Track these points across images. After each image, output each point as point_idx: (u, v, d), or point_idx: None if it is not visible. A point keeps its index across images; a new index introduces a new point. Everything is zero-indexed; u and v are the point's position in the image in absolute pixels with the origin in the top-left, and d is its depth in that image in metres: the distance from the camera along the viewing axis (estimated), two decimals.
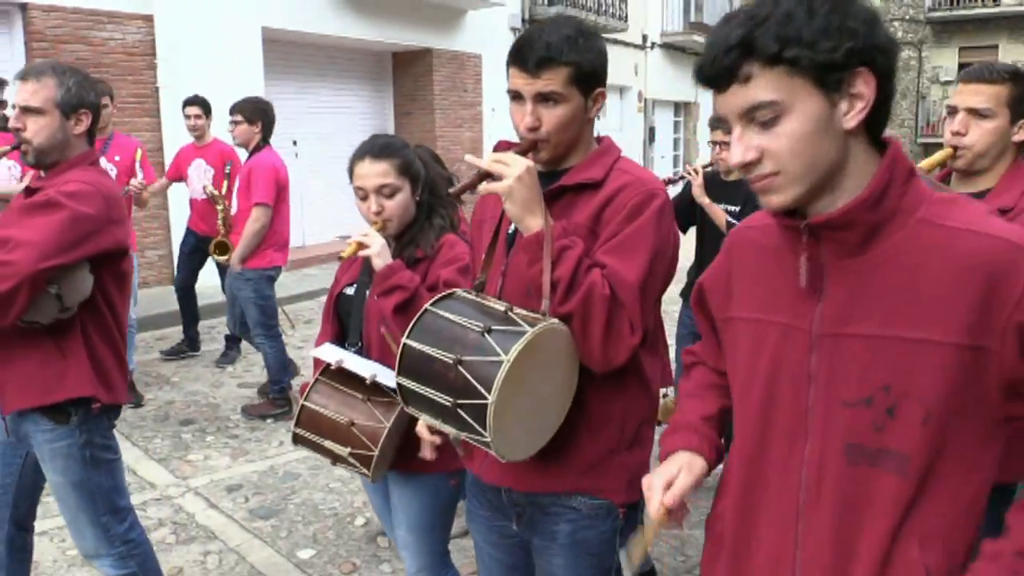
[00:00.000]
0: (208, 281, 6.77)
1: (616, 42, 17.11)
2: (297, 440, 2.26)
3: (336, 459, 2.20)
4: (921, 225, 1.14)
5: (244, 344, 6.40)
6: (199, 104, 6.15)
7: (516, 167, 1.60)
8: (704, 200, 3.91)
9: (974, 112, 2.13)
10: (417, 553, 2.39)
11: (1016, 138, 2.15)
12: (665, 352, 2.90)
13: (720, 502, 1.41)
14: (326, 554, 3.58)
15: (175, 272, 6.70)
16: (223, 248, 5.48)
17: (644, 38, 18.20)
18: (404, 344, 1.66)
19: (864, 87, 1.10)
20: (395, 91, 13.15)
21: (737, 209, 3.87)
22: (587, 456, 1.74)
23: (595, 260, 1.64)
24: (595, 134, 1.83)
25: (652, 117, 19.01)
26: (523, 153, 1.69)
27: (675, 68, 19.36)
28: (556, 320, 1.60)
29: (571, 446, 1.73)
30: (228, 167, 5.68)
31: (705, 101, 21.30)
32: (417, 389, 1.64)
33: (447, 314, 1.64)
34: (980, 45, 21.13)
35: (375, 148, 2.26)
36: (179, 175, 6.28)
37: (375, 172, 2.22)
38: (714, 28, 1.16)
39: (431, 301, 1.71)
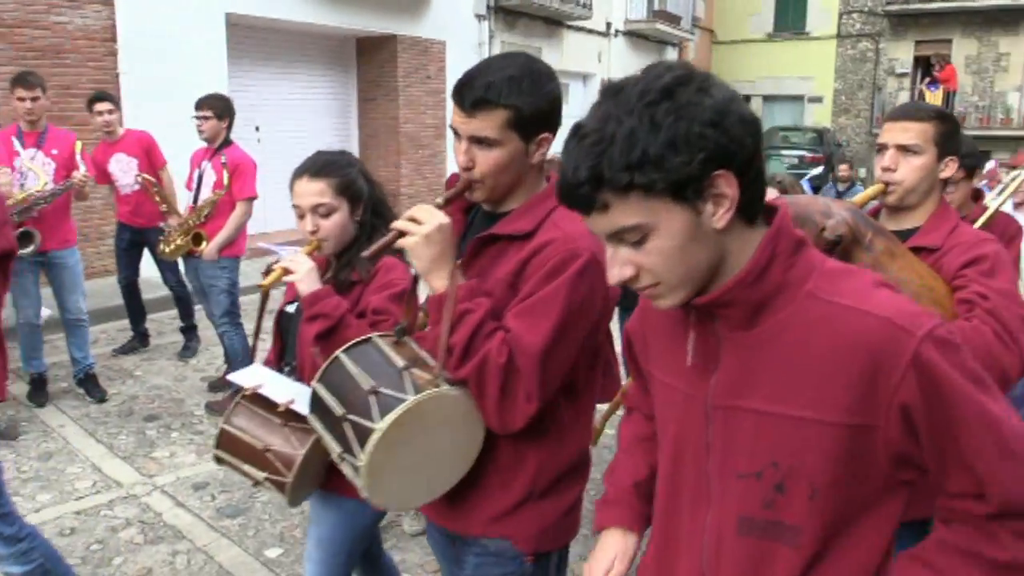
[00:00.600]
0: (148, 274, 6.66)
1: (580, 29, 17.18)
2: (219, 461, 2.24)
3: (256, 482, 2.19)
4: (808, 300, 1.12)
5: (204, 336, 6.45)
6: (111, 100, 6.05)
7: (426, 226, 1.58)
8: None
9: (903, 148, 2.16)
10: (317, 571, 2.36)
11: (943, 175, 2.20)
12: (611, 368, 2.99)
13: (648, 549, 1.43)
14: (293, 553, 3.67)
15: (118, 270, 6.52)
16: (198, 239, 5.46)
17: (608, 25, 18.28)
18: (312, 386, 1.75)
19: (726, 187, 1.07)
20: (359, 77, 13.09)
21: None
22: (497, 504, 1.72)
23: (501, 323, 1.60)
24: (545, 175, 1.76)
25: None
26: (459, 192, 1.67)
27: (638, 55, 19.49)
28: (446, 386, 1.60)
29: (481, 493, 1.73)
30: (224, 159, 5.47)
31: None
32: (320, 429, 1.74)
33: (350, 365, 1.69)
34: (934, 39, 21.60)
35: (314, 166, 2.23)
36: (104, 176, 6.11)
37: (311, 191, 2.19)
38: (565, 144, 1.12)
39: (345, 347, 1.74)
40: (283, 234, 11.16)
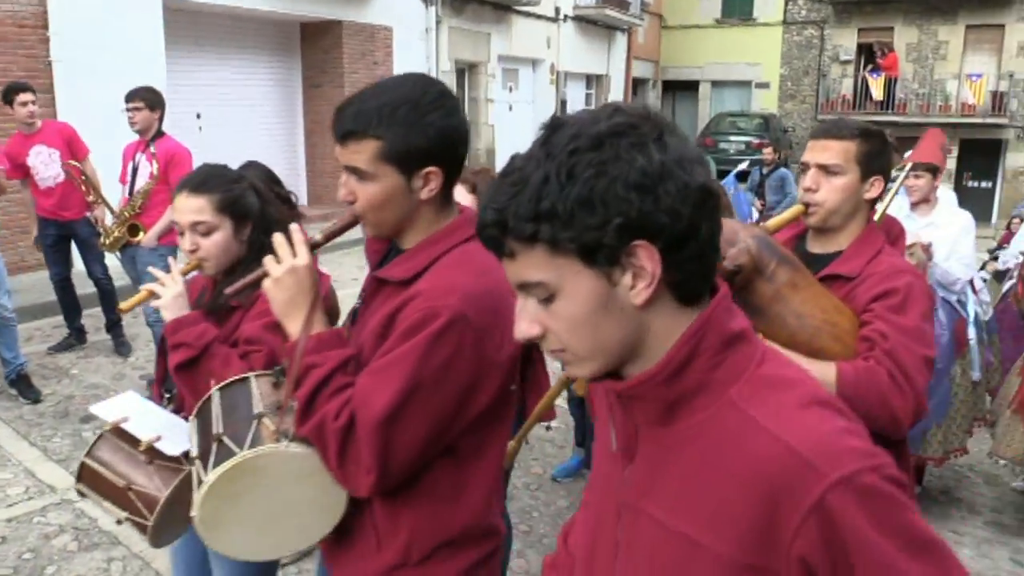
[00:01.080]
0: (82, 268, 6.46)
1: (529, 15, 17.14)
2: (81, 495, 2.08)
3: (119, 520, 2.01)
4: (729, 408, 0.96)
5: (136, 332, 6.34)
6: (30, 90, 5.86)
7: (281, 268, 1.50)
8: None
9: (824, 168, 2.08)
10: None
11: (867, 195, 2.11)
12: (542, 390, 2.90)
13: None
14: None
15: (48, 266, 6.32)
16: (135, 230, 5.39)
17: (557, 11, 18.27)
18: (189, 420, 1.72)
19: (647, 261, 0.92)
20: (303, 63, 12.91)
21: None
22: (372, 563, 1.60)
23: (354, 379, 1.49)
24: (457, 210, 1.61)
25: (564, 90, 19.20)
26: (342, 228, 1.59)
27: (587, 41, 19.54)
28: (287, 442, 1.52)
29: (358, 549, 1.63)
30: (154, 150, 5.39)
31: (616, 73, 21.59)
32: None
33: (215, 405, 1.65)
34: (877, 27, 22.03)
35: (192, 182, 2.10)
36: (20, 170, 5.86)
37: (190, 208, 2.05)
38: (489, 184, 1.02)
39: (222, 384, 1.68)
40: None
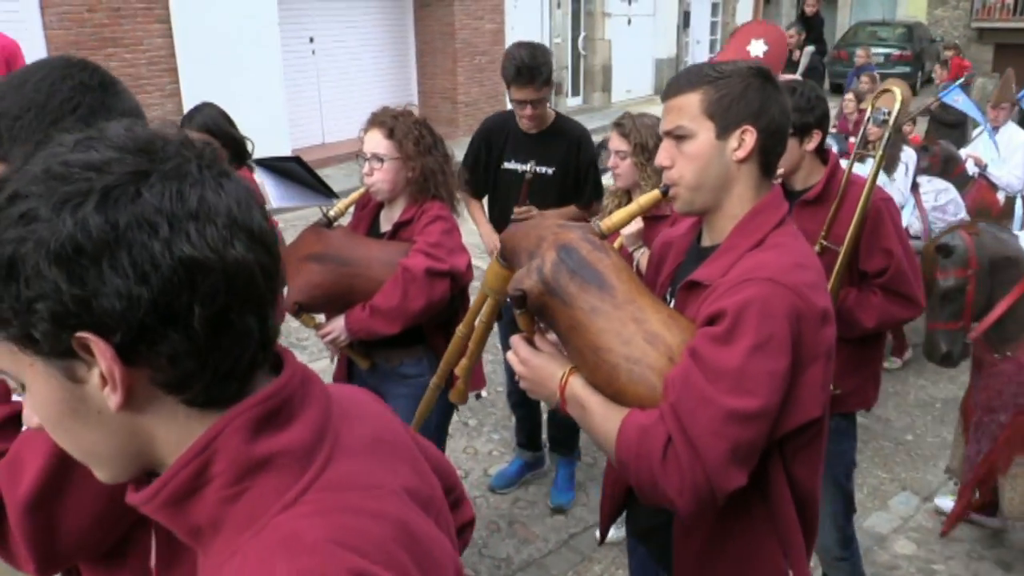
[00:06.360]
0: None
1: None
2: None
3: None
4: (238, 558, 0.73)
5: None
6: None
7: None
8: None
9: (671, 136, 1.57)
10: None
11: (737, 155, 1.53)
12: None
13: None
14: None
15: None
16: None
17: None
18: None
19: (101, 358, 0.70)
20: None
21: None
22: None
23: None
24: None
25: (688, 1, 18.24)
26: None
27: None
28: None
29: None
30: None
31: None
32: None
33: None
34: None
35: None
36: None
37: None
38: None
39: None
40: (342, 145, 11.26)
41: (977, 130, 6.37)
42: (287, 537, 0.72)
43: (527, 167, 3.35)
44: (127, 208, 0.68)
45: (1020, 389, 3.04)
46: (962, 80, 7.83)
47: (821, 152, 2.60)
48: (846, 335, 2.37)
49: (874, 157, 2.55)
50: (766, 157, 1.56)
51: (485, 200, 3.66)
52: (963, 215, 5.03)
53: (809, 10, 11.50)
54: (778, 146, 1.58)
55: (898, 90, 2.61)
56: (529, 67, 3.18)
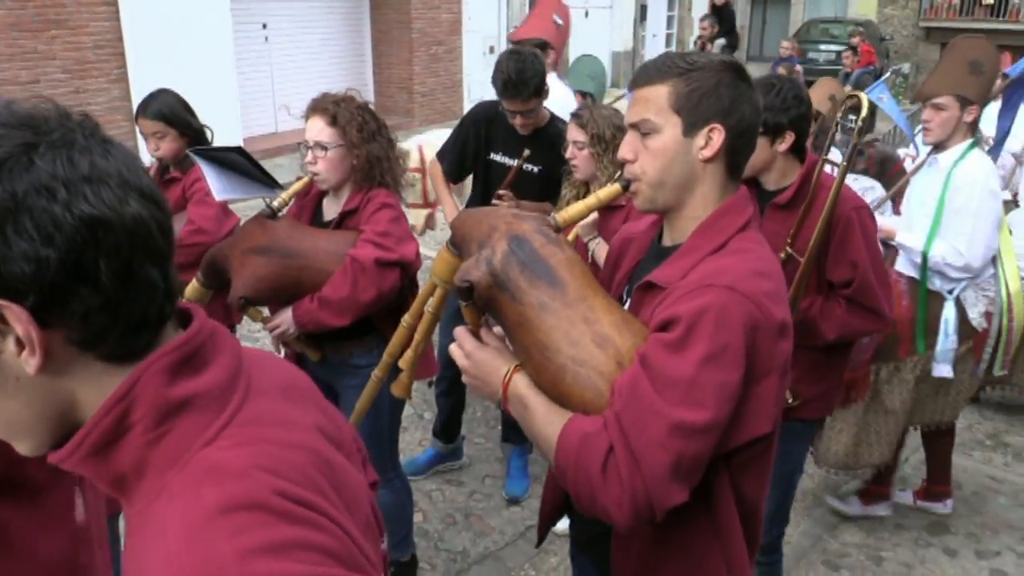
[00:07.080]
0: None
1: None
2: None
3: None
4: (161, 501, 0.76)
5: None
6: None
7: None
8: None
9: (637, 129, 1.50)
10: None
11: (704, 154, 1.46)
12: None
13: None
14: None
15: None
16: None
17: None
18: None
19: (16, 323, 0.73)
20: None
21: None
22: None
23: None
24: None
25: None
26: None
27: None
28: None
29: None
30: None
31: None
32: None
33: None
34: None
35: None
36: None
37: None
38: None
39: None
40: (295, 134, 11.09)
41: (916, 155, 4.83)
42: (212, 467, 0.76)
43: (514, 163, 3.35)
44: (23, 177, 0.70)
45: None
46: (886, 74, 7.60)
47: (800, 151, 2.48)
48: (808, 344, 2.34)
49: (838, 165, 2.42)
50: (733, 157, 1.49)
51: (468, 188, 3.61)
52: (889, 212, 5.06)
53: (719, 1, 11.41)
54: (747, 147, 1.51)
55: (864, 98, 2.56)
56: (515, 83, 3.17)
